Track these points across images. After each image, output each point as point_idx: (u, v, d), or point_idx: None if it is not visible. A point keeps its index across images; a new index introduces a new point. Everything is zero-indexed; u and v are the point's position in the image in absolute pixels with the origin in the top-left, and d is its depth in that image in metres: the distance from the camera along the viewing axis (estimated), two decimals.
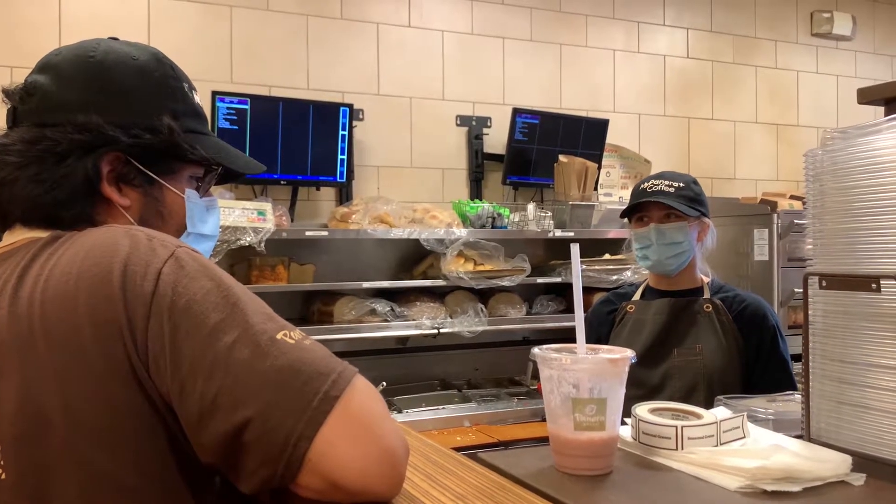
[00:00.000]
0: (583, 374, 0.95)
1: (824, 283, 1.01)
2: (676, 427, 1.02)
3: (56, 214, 0.90)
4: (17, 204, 0.90)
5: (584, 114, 3.96)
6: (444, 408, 3.09)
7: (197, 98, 1.04)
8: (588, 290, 3.49)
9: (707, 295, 1.99)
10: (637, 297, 2.10)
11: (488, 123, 3.80)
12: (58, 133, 0.89)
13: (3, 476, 0.78)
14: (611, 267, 3.45)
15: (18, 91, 0.93)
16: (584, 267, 3.37)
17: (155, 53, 1.01)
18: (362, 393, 0.80)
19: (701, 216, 1.96)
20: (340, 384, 0.78)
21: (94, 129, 0.90)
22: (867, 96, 1.19)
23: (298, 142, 3.24)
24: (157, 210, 0.97)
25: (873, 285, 0.94)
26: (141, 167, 0.94)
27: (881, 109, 1.25)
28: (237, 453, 0.76)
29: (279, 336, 0.79)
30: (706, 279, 2.05)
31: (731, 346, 1.92)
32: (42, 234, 0.89)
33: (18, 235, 0.90)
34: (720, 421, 1.04)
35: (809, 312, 1.06)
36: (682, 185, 1.95)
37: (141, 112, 0.94)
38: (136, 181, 0.95)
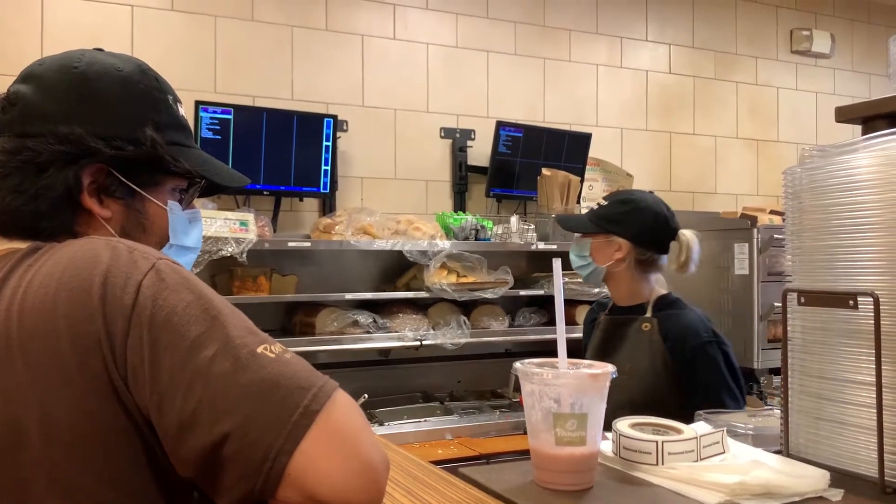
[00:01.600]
0: (564, 389, 0.95)
1: (803, 300, 1.03)
2: (657, 442, 1.02)
3: (36, 226, 0.89)
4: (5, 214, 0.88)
5: (567, 127, 3.98)
6: (426, 420, 3.08)
7: (181, 110, 1.03)
8: (571, 303, 3.50)
9: (649, 313, 1.96)
10: (608, 309, 2.11)
11: (472, 136, 3.81)
12: (39, 144, 0.88)
13: None
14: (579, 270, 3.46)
15: (0, 101, 0.92)
16: (566, 280, 3.38)
17: (139, 65, 1.01)
18: (343, 407, 0.79)
19: (607, 234, 1.96)
20: (321, 398, 0.77)
21: (76, 141, 0.89)
22: (845, 115, 1.21)
23: (282, 152, 3.23)
24: (139, 222, 0.97)
25: (851, 302, 0.95)
26: (123, 179, 0.94)
27: (859, 128, 1.27)
28: (216, 467, 0.76)
29: (259, 350, 0.78)
30: (656, 294, 2.00)
31: (659, 366, 1.87)
32: (21, 246, 0.87)
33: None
34: (700, 436, 1.05)
35: (788, 328, 1.07)
36: (606, 203, 1.99)
37: (124, 124, 0.93)
38: (117, 193, 0.94)
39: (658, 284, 2.05)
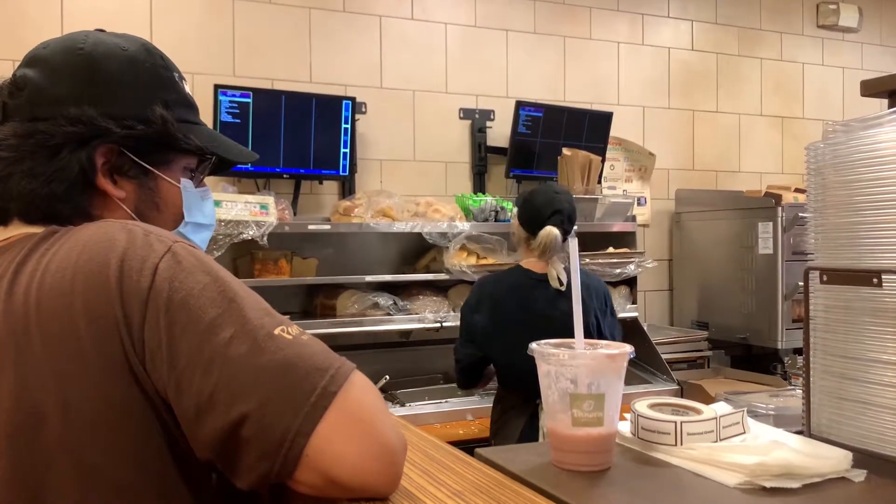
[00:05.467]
0: (581, 370, 0.95)
1: (825, 278, 1.01)
2: (676, 423, 1.01)
3: (53, 209, 0.89)
4: (14, 200, 0.89)
5: (587, 106, 3.94)
6: (446, 401, 3.09)
7: (187, 87, 1.03)
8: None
9: None
10: None
11: (491, 116, 3.78)
12: (50, 126, 0.88)
13: None
14: (614, 260, 3.44)
15: (7, 86, 0.92)
16: (587, 260, 3.36)
17: (144, 44, 1.00)
18: (360, 388, 0.79)
19: None
20: (338, 380, 0.77)
21: (87, 122, 0.89)
22: (871, 88, 1.18)
23: (301, 135, 3.23)
24: (153, 201, 0.97)
25: (875, 280, 0.93)
26: (135, 158, 0.94)
27: (886, 102, 1.24)
28: (234, 449, 0.76)
29: (277, 331, 0.78)
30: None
31: None
32: (37, 230, 0.88)
33: (14, 231, 0.90)
34: (720, 416, 1.04)
35: (810, 307, 1.05)
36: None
37: (133, 103, 0.93)
38: (130, 172, 0.94)
39: (529, 254, 2.47)
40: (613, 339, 2.48)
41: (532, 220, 2.42)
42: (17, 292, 0.80)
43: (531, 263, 2.47)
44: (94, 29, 1.01)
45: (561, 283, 2.40)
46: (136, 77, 0.95)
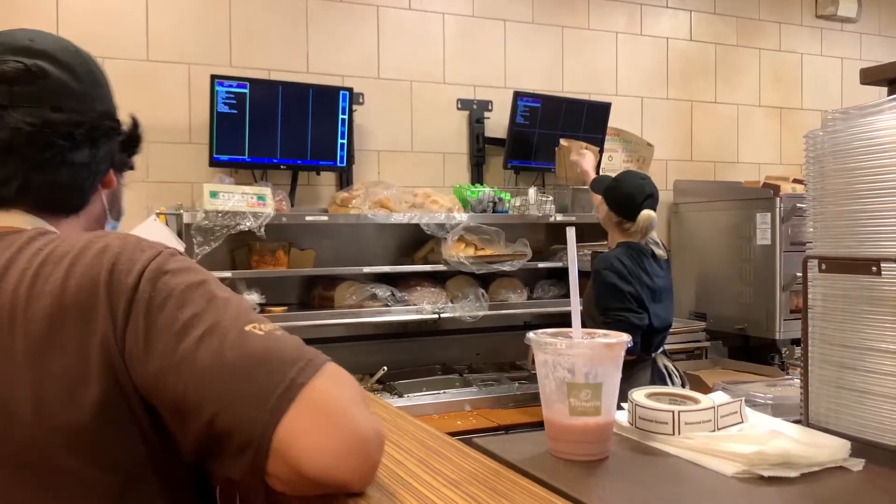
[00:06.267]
0: (578, 359, 0.94)
1: (824, 267, 1.00)
2: (673, 412, 1.01)
3: (68, 198, 0.92)
4: (28, 186, 0.88)
5: (586, 97, 3.93)
6: (444, 392, 3.09)
7: None
8: (587, 276, 3.47)
9: None
10: None
11: (489, 107, 3.77)
12: (76, 119, 0.90)
13: None
14: (595, 252, 3.43)
15: (18, 71, 0.88)
16: (584, 251, 3.36)
17: None
18: (332, 379, 0.78)
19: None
20: (308, 372, 0.76)
21: (110, 118, 0.95)
22: (870, 76, 1.17)
23: (298, 126, 3.22)
24: (116, 197, 1.02)
25: (874, 268, 0.93)
26: (122, 156, 0.99)
27: (885, 90, 1.23)
28: (216, 446, 0.76)
29: (248, 328, 0.78)
30: (617, 241, 2.80)
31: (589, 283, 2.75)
32: (28, 223, 0.89)
33: (7, 220, 0.88)
34: (718, 406, 1.03)
35: (809, 296, 1.04)
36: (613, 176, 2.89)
37: (112, 104, 0.98)
38: (118, 169, 1.00)
39: (627, 238, 2.74)
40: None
41: (627, 206, 2.71)
42: (6, 288, 0.79)
43: (633, 239, 2.75)
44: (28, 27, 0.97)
45: (664, 254, 2.79)
46: (106, 79, 0.99)
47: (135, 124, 0.98)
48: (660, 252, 2.76)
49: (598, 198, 2.86)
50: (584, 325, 1.00)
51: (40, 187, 0.88)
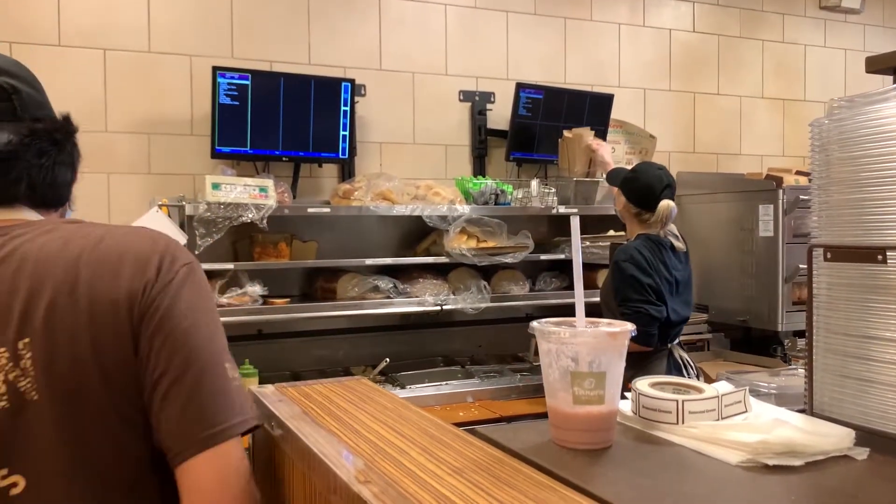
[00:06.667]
0: (582, 348, 0.94)
1: (829, 255, 1.00)
2: (677, 401, 1.01)
3: (64, 194, 1.07)
4: (33, 186, 1.01)
5: (588, 89, 3.92)
6: (446, 384, 3.10)
7: None
8: (590, 267, 3.47)
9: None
10: None
11: (491, 99, 3.76)
12: (51, 126, 1.03)
13: (36, 398, 0.89)
14: (615, 243, 3.43)
15: None
16: (587, 243, 3.35)
17: None
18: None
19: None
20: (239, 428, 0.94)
21: (65, 120, 1.06)
22: (875, 65, 1.17)
23: (300, 118, 3.21)
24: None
25: (879, 257, 0.93)
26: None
27: (890, 79, 1.22)
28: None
29: (227, 366, 0.98)
30: (636, 233, 2.77)
31: (607, 275, 2.78)
32: (36, 215, 1.02)
33: (17, 214, 1.00)
34: (721, 395, 1.03)
35: (814, 285, 1.04)
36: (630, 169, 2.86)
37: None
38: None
39: (646, 229, 2.72)
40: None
41: (646, 197, 2.70)
42: (68, 256, 0.93)
43: (652, 231, 2.73)
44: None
45: (683, 246, 2.78)
46: None
47: (68, 119, 1.08)
48: (679, 244, 2.75)
49: (615, 189, 2.86)
50: (601, 317, 1.00)
51: (42, 187, 1.01)
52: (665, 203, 2.68)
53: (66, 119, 1.06)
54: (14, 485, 0.88)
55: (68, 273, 0.92)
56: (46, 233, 0.96)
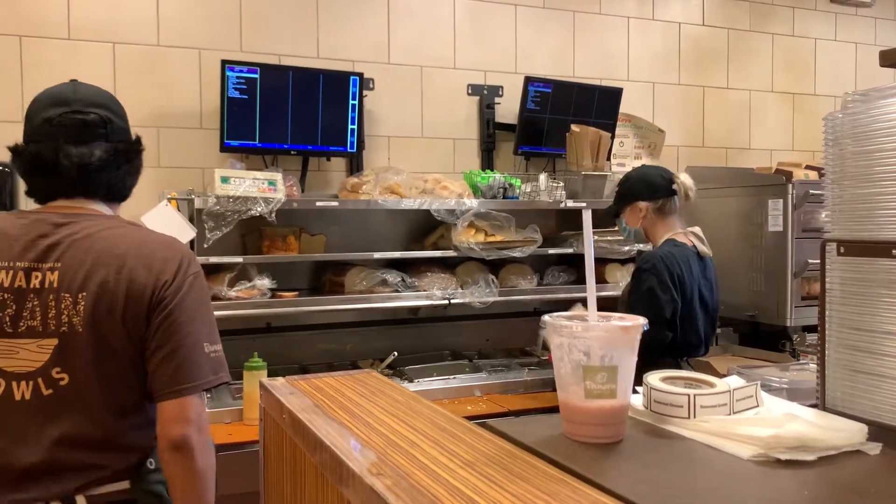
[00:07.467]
0: (594, 342, 0.94)
1: (842, 250, 0.99)
2: (689, 395, 1.01)
3: (128, 193, 1.57)
4: (104, 186, 1.50)
5: (597, 82, 3.90)
6: (454, 377, 3.10)
7: None
8: (600, 261, 3.46)
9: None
10: None
11: (500, 92, 3.75)
12: (127, 146, 1.54)
13: (81, 331, 1.36)
14: (623, 238, 3.42)
15: (99, 122, 1.49)
16: (596, 238, 3.34)
17: None
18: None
19: (627, 204, 2.73)
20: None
21: (138, 141, 1.57)
22: (889, 59, 1.16)
23: (309, 112, 3.21)
24: None
25: (893, 251, 0.92)
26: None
27: None
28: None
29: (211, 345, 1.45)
30: (663, 238, 2.67)
31: (630, 283, 2.66)
32: (104, 208, 1.51)
33: (90, 205, 1.49)
34: (733, 389, 1.03)
35: (826, 280, 1.04)
36: (617, 189, 2.83)
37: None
38: None
39: (671, 230, 2.65)
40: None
41: (658, 187, 2.65)
42: (121, 244, 1.44)
43: (678, 235, 2.65)
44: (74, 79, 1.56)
45: (708, 251, 2.67)
46: None
47: (138, 139, 1.57)
48: (704, 249, 2.64)
49: (627, 209, 2.73)
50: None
51: (115, 188, 1.53)
52: (682, 176, 2.65)
53: (138, 140, 1.55)
54: (63, 378, 1.36)
55: (119, 260, 1.39)
56: (110, 228, 1.44)
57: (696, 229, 2.70)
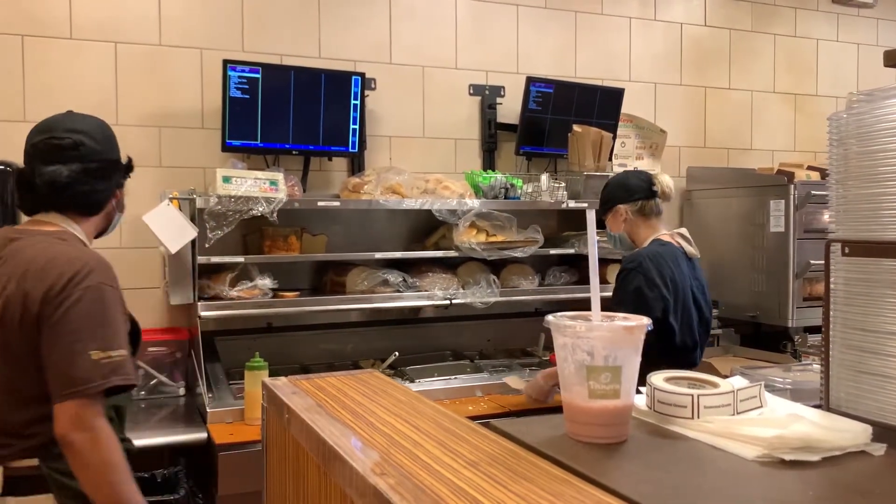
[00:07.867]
0: (598, 342, 0.94)
1: (847, 251, 0.99)
2: (693, 396, 1.00)
3: (97, 208, 1.76)
4: (74, 201, 1.71)
5: (599, 83, 3.90)
6: (455, 378, 3.09)
7: None
8: (602, 262, 3.46)
9: None
10: None
11: (501, 93, 3.75)
12: (99, 166, 1.73)
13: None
14: (610, 247, 3.41)
15: (71, 143, 1.68)
16: (598, 238, 3.33)
17: None
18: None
19: (608, 210, 2.68)
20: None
21: (116, 162, 1.79)
22: (894, 59, 1.16)
23: (310, 111, 3.21)
24: (119, 200, 1.87)
25: None
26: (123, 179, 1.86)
27: None
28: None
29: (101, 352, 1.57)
30: (649, 239, 2.61)
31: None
32: (69, 223, 1.72)
33: (55, 219, 1.70)
34: (737, 390, 1.03)
35: (831, 281, 1.04)
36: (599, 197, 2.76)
37: (118, 150, 1.82)
38: (119, 186, 1.85)
39: (655, 232, 2.61)
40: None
41: (635, 188, 2.63)
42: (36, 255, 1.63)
43: (663, 236, 2.60)
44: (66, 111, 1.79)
45: (696, 252, 2.62)
46: (114, 135, 1.83)
47: (129, 160, 1.83)
48: (691, 249, 2.58)
49: (609, 215, 2.68)
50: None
51: (81, 203, 1.71)
52: (662, 177, 2.64)
53: (117, 161, 1.77)
54: None
55: (23, 273, 1.56)
56: (40, 244, 1.62)
57: (683, 230, 2.64)
